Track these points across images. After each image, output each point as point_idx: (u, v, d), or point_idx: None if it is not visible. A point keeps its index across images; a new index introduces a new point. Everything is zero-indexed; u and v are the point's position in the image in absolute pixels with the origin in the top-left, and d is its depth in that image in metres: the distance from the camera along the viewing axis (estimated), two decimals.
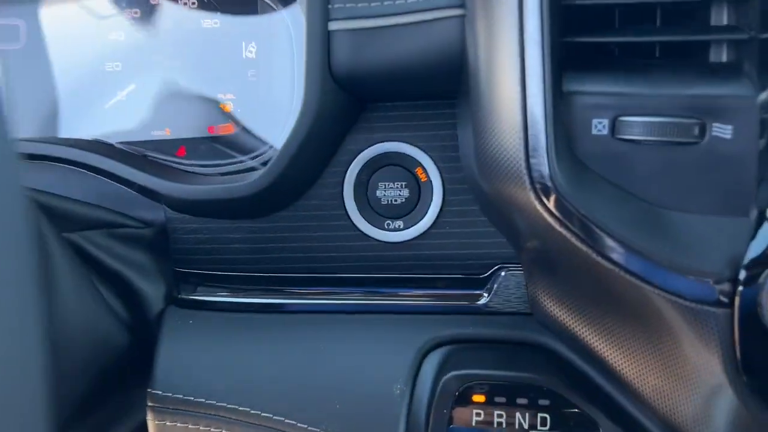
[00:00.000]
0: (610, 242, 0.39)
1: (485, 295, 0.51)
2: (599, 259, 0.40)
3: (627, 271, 0.39)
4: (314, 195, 0.52)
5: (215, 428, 0.50)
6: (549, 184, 0.40)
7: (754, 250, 0.37)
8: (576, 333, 0.47)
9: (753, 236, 0.37)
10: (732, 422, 0.39)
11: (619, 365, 0.45)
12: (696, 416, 0.42)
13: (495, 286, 0.51)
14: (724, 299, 0.37)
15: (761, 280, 0.36)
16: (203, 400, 0.50)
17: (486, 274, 0.51)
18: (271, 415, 0.49)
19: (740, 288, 0.37)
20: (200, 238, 0.54)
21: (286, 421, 0.48)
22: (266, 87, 0.53)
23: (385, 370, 0.49)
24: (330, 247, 0.53)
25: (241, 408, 0.49)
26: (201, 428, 0.50)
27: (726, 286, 0.37)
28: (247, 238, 0.53)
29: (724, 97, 0.38)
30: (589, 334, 0.46)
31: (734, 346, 0.38)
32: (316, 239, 0.53)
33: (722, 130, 0.38)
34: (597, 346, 0.46)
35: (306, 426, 0.48)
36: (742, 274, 0.36)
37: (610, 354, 0.45)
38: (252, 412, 0.49)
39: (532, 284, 0.49)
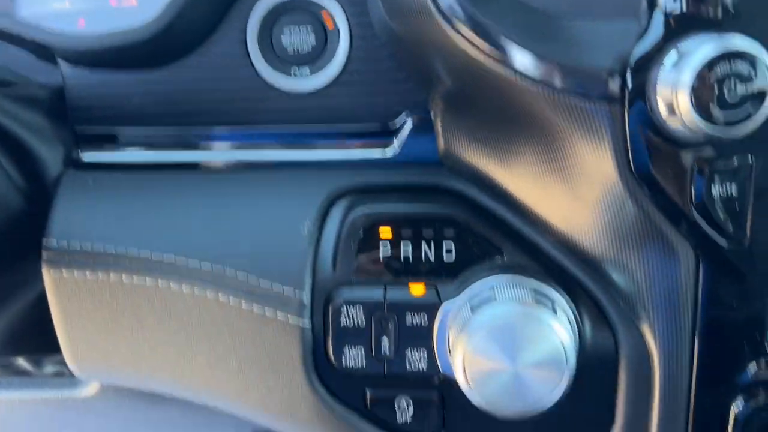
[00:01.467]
0: (514, 50, 0.40)
1: (394, 144, 0.51)
2: (504, 70, 0.41)
3: (528, 77, 0.40)
4: (215, 42, 0.50)
5: (115, 275, 0.47)
6: (455, 5, 0.41)
7: (642, 47, 0.38)
8: (484, 170, 0.47)
9: (641, 34, 0.39)
10: (622, 217, 0.41)
11: (524, 194, 0.46)
12: (595, 228, 0.44)
13: (404, 135, 0.51)
14: (615, 93, 0.38)
15: (649, 74, 0.38)
16: (102, 248, 0.48)
17: (395, 123, 0.52)
18: (172, 257, 0.47)
19: (629, 82, 0.39)
20: (99, 94, 0.52)
21: (189, 260, 0.47)
22: None
23: (293, 213, 0.48)
24: (234, 98, 0.51)
25: (141, 253, 0.47)
26: (100, 276, 0.48)
27: (616, 81, 0.38)
28: (147, 90, 0.51)
29: None
30: (497, 168, 0.47)
31: (626, 142, 0.40)
32: (219, 90, 0.51)
33: None
34: (504, 179, 0.47)
35: (210, 264, 0.47)
36: (630, 70, 0.38)
37: (517, 185, 0.46)
38: (153, 256, 0.47)
39: (442, 127, 0.49)
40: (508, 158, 0.46)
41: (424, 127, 0.51)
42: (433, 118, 0.50)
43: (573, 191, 0.44)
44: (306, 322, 0.46)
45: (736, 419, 0.43)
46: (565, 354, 0.40)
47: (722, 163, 0.39)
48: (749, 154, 0.39)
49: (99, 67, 0.51)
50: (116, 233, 0.48)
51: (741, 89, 0.36)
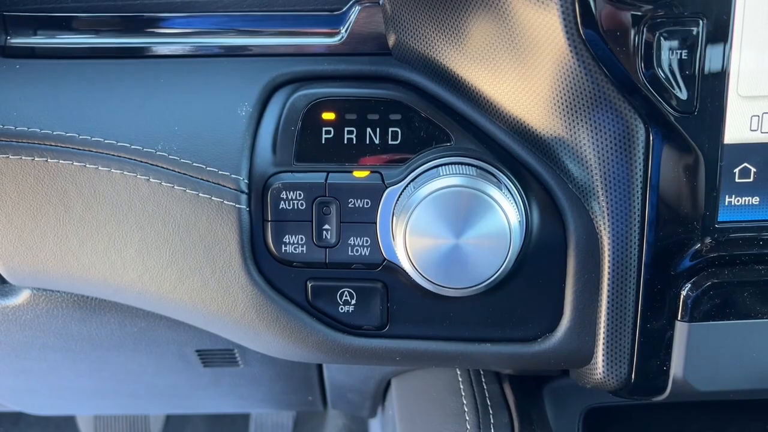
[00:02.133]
0: None
1: (342, 31, 0.49)
2: None
3: None
4: None
5: (39, 157, 0.44)
6: None
7: None
8: (435, 56, 0.45)
9: None
10: (572, 89, 0.39)
11: (475, 78, 0.44)
12: (545, 105, 0.42)
13: (351, 22, 0.49)
14: None
15: None
16: (26, 128, 0.45)
17: (342, 10, 0.49)
18: (101, 139, 0.44)
19: None
20: None
21: (118, 143, 0.44)
22: None
23: (232, 98, 0.45)
24: None
25: (68, 133, 0.44)
26: (24, 158, 0.44)
27: None
28: None
29: None
30: (448, 52, 0.44)
31: (574, 4, 0.37)
32: None
33: None
34: (455, 64, 0.44)
35: (141, 147, 0.44)
36: None
37: (468, 68, 0.44)
38: (81, 136, 0.44)
39: (392, 13, 0.46)
40: (460, 39, 0.44)
41: (373, 14, 0.49)
42: (381, 3, 0.48)
43: (524, 67, 0.42)
44: (243, 207, 0.43)
45: (684, 302, 0.42)
46: (509, 226, 0.39)
47: (672, 29, 0.38)
48: (699, 19, 0.38)
49: None
50: (42, 115, 0.45)
51: None
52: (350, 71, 0.48)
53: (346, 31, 0.49)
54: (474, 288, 0.40)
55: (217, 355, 0.64)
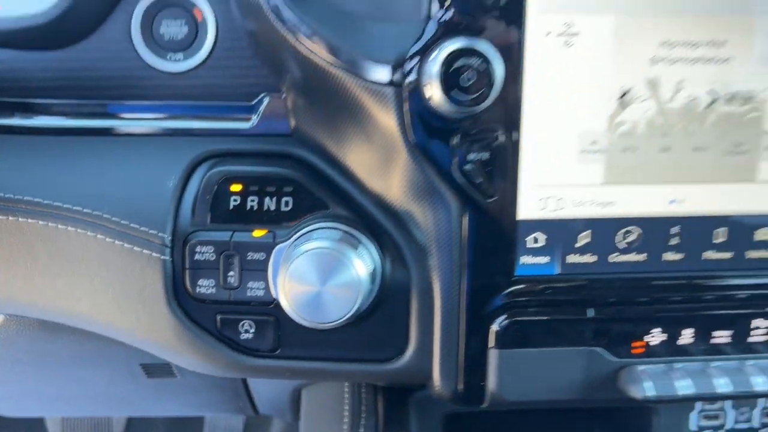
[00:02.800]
0: (330, 45, 0.51)
1: (253, 118, 0.62)
2: (319, 60, 0.52)
3: (338, 65, 0.52)
4: (105, 30, 0.61)
5: (12, 217, 0.57)
6: (281, 8, 0.52)
7: (416, 46, 0.50)
8: (321, 142, 0.59)
9: (419, 37, 0.51)
10: (413, 179, 0.53)
11: (349, 162, 0.58)
12: (397, 187, 0.55)
13: (263, 109, 0.62)
14: (397, 81, 0.50)
15: (421, 66, 0.50)
16: (2, 195, 0.57)
17: (254, 102, 0.62)
18: (60, 204, 0.57)
19: (406, 72, 0.50)
20: (10, 71, 0.61)
21: (73, 207, 0.57)
22: None
23: (163, 171, 0.59)
24: (121, 77, 0.61)
25: (34, 199, 0.57)
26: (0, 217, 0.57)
27: (398, 72, 0.50)
28: (47, 67, 0.61)
29: None
30: (330, 142, 0.58)
31: (404, 115, 0.51)
32: (109, 69, 0.61)
33: None
34: (335, 150, 0.58)
35: (91, 210, 0.57)
36: (408, 63, 0.50)
37: (344, 154, 0.58)
38: (44, 201, 0.57)
39: (291, 107, 0.60)
40: (338, 134, 0.58)
41: (278, 105, 0.62)
42: (284, 99, 0.61)
43: (382, 160, 0.56)
44: (167, 258, 0.57)
45: (494, 335, 0.56)
46: (359, 280, 0.52)
47: (477, 139, 0.52)
48: (496, 132, 0.52)
49: (5, 47, 0.61)
50: (14, 183, 0.58)
51: (476, 77, 0.48)
52: (258, 150, 0.62)
53: (257, 117, 0.63)
54: (334, 323, 0.53)
55: (158, 368, 0.77)
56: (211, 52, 0.61)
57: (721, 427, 0.72)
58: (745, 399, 0.66)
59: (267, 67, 0.61)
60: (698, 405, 0.71)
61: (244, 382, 0.81)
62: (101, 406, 0.88)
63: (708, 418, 0.72)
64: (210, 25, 0.61)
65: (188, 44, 0.62)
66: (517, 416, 0.71)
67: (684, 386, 0.55)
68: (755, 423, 0.72)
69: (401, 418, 0.67)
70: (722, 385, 0.55)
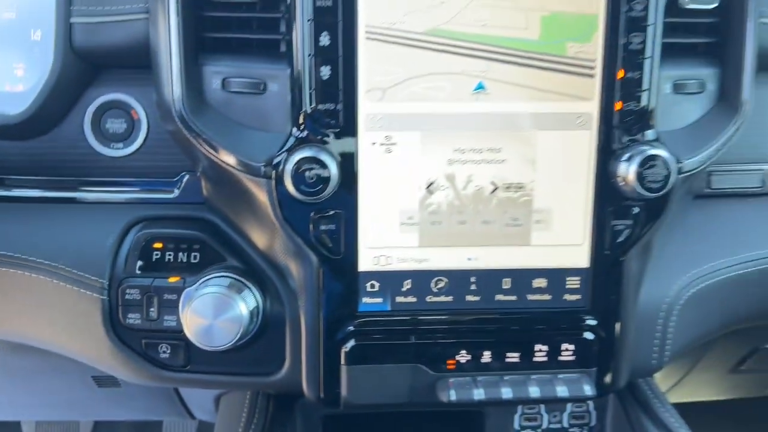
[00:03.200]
0: (218, 150, 0.71)
1: (175, 191, 0.82)
2: (219, 161, 0.72)
3: (229, 164, 0.71)
4: (65, 126, 0.81)
5: None
6: (185, 117, 0.71)
7: (280, 153, 0.70)
8: (225, 211, 0.79)
9: (283, 144, 0.71)
10: (284, 242, 0.73)
11: (245, 227, 0.78)
12: (276, 248, 0.75)
13: (183, 184, 0.82)
14: (268, 174, 0.70)
15: (283, 166, 0.70)
16: None
17: (176, 179, 0.82)
18: (26, 257, 0.76)
19: (273, 169, 0.70)
20: None
21: (37, 259, 0.77)
22: (41, 56, 0.81)
23: (103, 231, 0.79)
24: (74, 161, 0.81)
25: (7, 252, 0.77)
26: None
27: (269, 168, 0.70)
28: (22, 153, 0.81)
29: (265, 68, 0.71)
30: (231, 212, 0.79)
31: (276, 198, 0.71)
32: (67, 154, 0.81)
33: (272, 87, 0.72)
34: (235, 218, 0.78)
35: (49, 262, 0.76)
36: (275, 163, 0.70)
37: (241, 222, 0.78)
38: (14, 254, 0.77)
39: (203, 184, 0.80)
40: (235, 207, 0.78)
41: (194, 181, 0.82)
42: (199, 176, 0.81)
43: (264, 227, 0.76)
44: (105, 298, 0.76)
45: (345, 354, 0.76)
46: (242, 316, 0.72)
47: (325, 213, 0.72)
48: (339, 210, 0.72)
49: None
50: None
51: (316, 178, 0.68)
52: (178, 215, 0.82)
53: (178, 190, 0.83)
54: (222, 347, 0.73)
55: (105, 379, 0.96)
56: (143, 143, 0.82)
57: (539, 426, 0.92)
58: (527, 403, 0.87)
59: (185, 154, 0.81)
60: (520, 408, 0.91)
61: (176, 391, 1.00)
62: (64, 411, 1.07)
63: (528, 419, 0.93)
64: (143, 123, 0.81)
65: (127, 136, 0.82)
66: (380, 417, 0.91)
67: (478, 393, 0.75)
68: (565, 424, 0.93)
69: (288, 418, 0.87)
70: (506, 392, 0.75)
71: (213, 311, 0.73)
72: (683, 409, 0.89)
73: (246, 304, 0.74)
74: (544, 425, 0.93)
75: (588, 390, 0.77)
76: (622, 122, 0.73)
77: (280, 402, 0.88)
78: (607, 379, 0.79)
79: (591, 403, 0.92)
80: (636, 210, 0.74)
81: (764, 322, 0.90)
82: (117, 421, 1.43)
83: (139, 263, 0.78)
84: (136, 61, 0.78)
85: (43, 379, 0.95)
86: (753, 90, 0.79)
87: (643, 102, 0.72)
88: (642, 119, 0.73)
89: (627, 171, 0.72)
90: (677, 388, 1.12)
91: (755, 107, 0.83)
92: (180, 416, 1.10)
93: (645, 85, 0.72)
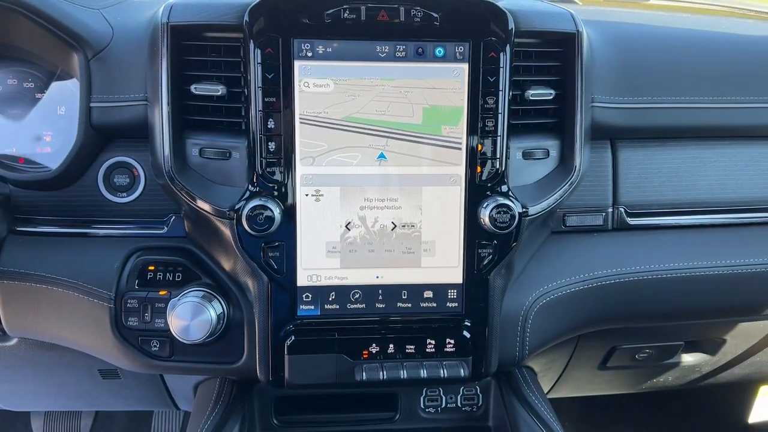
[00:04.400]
0: (198, 199, 0.99)
1: (165, 228, 1.10)
2: (196, 207, 1.00)
3: (203, 209, 0.99)
4: (84, 179, 1.09)
5: (30, 284, 1.03)
6: (172, 175, 0.99)
7: (239, 201, 0.98)
8: (200, 243, 1.07)
9: (243, 194, 0.99)
10: (242, 264, 1.00)
11: (217, 256, 1.05)
12: (237, 269, 1.03)
13: (170, 223, 1.09)
14: (232, 216, 0.98)
15: (241, 210, 0.98)
16: (26, 270, 1.04)
17: (165, 218, 1.10)
18: (53, 276, 1.03)
19: (235, 212, 0.98)
20: (29, 200, 1.08)
21: (60, 277, 1.04)
22: (66, 127, 1.09)
23: (111, 258, 1.06)
24: (90, 206, 1.09)
25: (37, 272, 1.03)
26: (24, 283, 1.03)
27: (232, 212, 0.98)
28: (52, 200, 1.08)
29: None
30: (203, 243, 1.07)
31: (236, 233, 0.99)
32: (86, 201, 1.09)
33: (235, 155, 1.00)
34: (207, 247, 1.07)
35: (70, 279, 1.03)
36: (236, 207, 0.98)
37: (213, 251, 1.05)
38: (42, 274, 1.03)
39: (185, 223, 1.08)
40: (209, 240, 1.07)
41: (179, 220, 1.10)
42: (183, 216, 1.09)
43: (229, 255, 1.03)
44: (112, 306, 1.03)
45: (287, 346, 1.03)
46: (211, 319, 0.99)
47: (272, 243, 1.00)
48: (283, 239, 1.00)
49: (29, 189, 1.08)
50: (28, 263, 1.04)
51: (264, 218, 0.96)
52: (167, 245, 1.10)
53: (167, 227, 1.11)
54: (197, 341, 1.00)
55: (109, 372, 1.22)
56: (142, 192, 1.10)
57: (439, 406, 1.20)
58: (418, 384, 1.15)
59: (172, 201, 1.09)
60: (424, 391, 1.19)
61: (164, 384, 1.26)
62: (70, 401, 1.32)
63: (431, 400, 1.20)
64: (141, 178, 1.10)
65: (129, 188, 1.10)
66: (320, 400, 1.18)
67: (382, 374, 1.03)
68: (459, 404, 1.21)
69: (247, 400, 1.14)
70: (403, 373, 1.03)
71: (190, 315, 1.01)
72: (563, 402, 1.17)
73: (215, 310, 1.02)
74: (443, 404, 1.20)
75: (463, 372, 1.05)
76: (481, 180, 1.03)
77: (242, 387, 1.15)
78: (480, 365, 1.07)
79: (478, 388, 1.20)
80: (495, 242, 1.04)
81: (606, 326, 1.19)
82: (114, 412, 1.68)
83: (137, 281, 1.06)
84: (137, 134, 1.07)
85: (58, 373, 1.21)
86: (588, 154, 1.09)
87: (496, 166, 1.02)
88: (496, 178, 1.03)
89: (485, 214, 1.02)
90: (559, 384, 1.40)
91: (596, 165, 1.14)
92: (167, 407, 1.35)
93: (497, 155, 1.02)
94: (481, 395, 1.22)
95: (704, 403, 1.80)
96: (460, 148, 1.03)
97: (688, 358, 1.42)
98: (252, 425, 1.16)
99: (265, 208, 0.99)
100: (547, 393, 1.37)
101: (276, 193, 1.00)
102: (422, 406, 1.22)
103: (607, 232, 1.18)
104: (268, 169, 1.00)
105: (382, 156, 1.02)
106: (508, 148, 1.04)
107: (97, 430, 1.71)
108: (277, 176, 1.00)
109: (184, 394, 1.29)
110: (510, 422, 1.12)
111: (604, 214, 1.18)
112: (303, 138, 1.00)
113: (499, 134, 1.02)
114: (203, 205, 1.00)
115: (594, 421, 1.69)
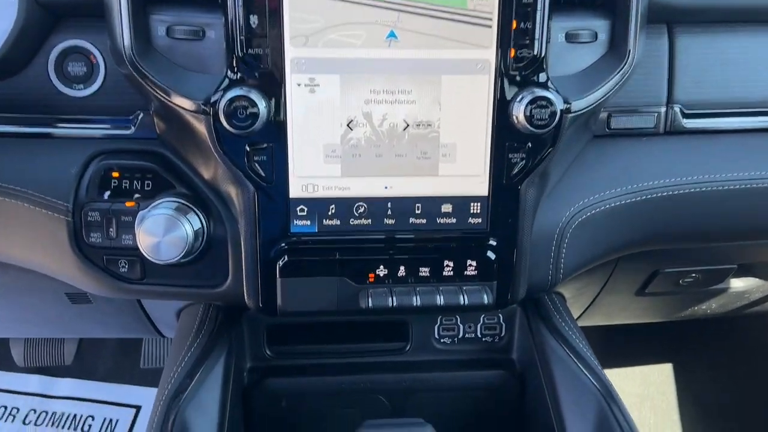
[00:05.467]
0: (166, 90, 0.81)
1: (132, 128, 0.92)
2: (165, 100, 0.82)
3: (172, 102, 0.82)
4: (31, 69, 0.90)
5: None
6: (134, 60, 0.81)
7: (216, 92, 0.80)
8: (174, 144, 0.89)
9: (219, 84, 0.81)
10: (225, 172, 0.84)
11: (190, 159, 0.89)
12: (219, 177, 0.86)
13: (138, 121, 0.92)
14: (207, 111, 0.81)
15: (218, 104, 0.80)
16: None
17: (132, 116, 0.92)
18: (6, 185, 0.87)
19: (211, 105, 0.80)
20: None
21: (15, 187, 0.87)
22: (6, 7, 0.90)
23: (69, 162, 0.89)
24: (41, 101, 0.91)
25: None
26: None
27: (207, 106, 0.81)
28: None
29: None
30: (179, 145, 0.89)
31: (214, 132, 0.82)
32: (33, 95, 0.91)
33: (210, 34, 0.81)
34: (182, 151, 0.90)
35: (25, 189, 0.87)
36: (212, 99, 0.80)
37: (187, 154, 0.88)
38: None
39: (155, 121, 0.90)
40: (183, 141, 0.89)
41: (148, 119, 0.92)
42: (152, 114, 0.91)
43: (208, 159, 0.86)
44: (70, 219, 0.87)
45: (279, 268, 0.88)
46: (187, 235, 0.84)
47: (258, 145, 0.82)
48: (271, 141, 0.83)
49: None
50: None
51: (245, 113, 0.79)
52: (134, 149, 0.92)
53: (134, 127, 0.93)
54: (171, 261, 0.84)
55: (78, 296, 1.08)
56: (102, 84, 0.91)
57: (456, 336, 1.06)
58: (434, 312, 1.00)
59: (139, 95, 0.91)
60: (439, 320, 1.04)
61: (143, 310, 1.13)
62: (42, 328, 1.19)
63: (446, 329, 1.06)
64: (101, 67, 0.91)
65: (87, 78, 0.91)
66: (318, 330, 1.04)
67: (392, 300, 0.88)
68: (478, 334, 1.06)
69: (234, 327, 1.00)
70: (416, 300, 0.88)
71: (162, 230, 0.85)
72: (596, 331, 1.02)
73: (191, 224, 0.86)
74: (460, 334, 1.06)
75: (486, 299, 0.89)
76: (515, 67, 0.83)
77: (229, 314, 1.00)
78: (506, 291, 0.92)
79: (501, 316, 1.05)
80: (528, 145, 0.86)
81: (652, 246, 1.03)
82: (101, 339, 1.57)
83: (99, 190, 0.89)
84: (92, 10, 0.87)
85: (19, 296, 1.07)
86: (644, 40, 0.89)
87: (535, 50, 0.83)
88: (534, 65, 0.83)
89: (519, 110, 0.83)
90: (588, 312, 1.26)
91: (649, 55, 0.94)
92: (150, 335, 1.22)
93: (536, 35, 0.82)
94: (504, 324, 1.08)
95: (744, 332, 1.67)
96: (489, 26, 0.82)
97: (737, 284, 1.26)
98: (241, 356, 1.03)
99: (248, 100, 0.80)
100: None
101: (260, 82, 0.82)
102: (436, 335, 1.08)
103: (658, 136, 0.99)
104: (250, 51, 0.81)
105: (392, 35, 0.82)
106: (549, 27, 0.84)
107: (82, 357, 1.61)
108: (262, 60, 0.81)
109: (167, 321, 1.16)
110: (538, 354, 0.98)
111: (656, 114, 0.99)
112: (294, 11, 0.80)
113: (539, 8, 0.83)
114: (172, 98, 0.82)
115: (612, 350, 1.57)
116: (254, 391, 1.03)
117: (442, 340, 1.09)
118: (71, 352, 1.63)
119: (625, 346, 1.59)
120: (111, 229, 0.89)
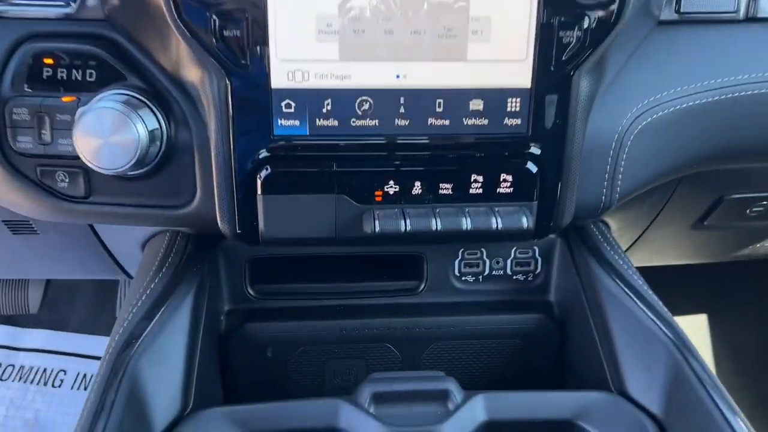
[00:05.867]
0: None
1: (72, 5, 0.71)
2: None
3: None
4: None
5: None
6: None
7: None
8: (126, 28, 0.70)
9: None
10: (185, 59, 0.64)
11: (145, 44, 0.69)
12: (181, 62, 0.67)
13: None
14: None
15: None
16: None
17: None
18: None
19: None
20: None
21: None
22: None
23: None
24: None
25: None
26: None
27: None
28: None
29: None
30: (131, 27, 0.69)
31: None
32: None
33: None
34: (136, 35, 0.69)
35: None
36: None
37: (140, 35, 0.69)
38: None
39: None
40: (139, 23, 0.68)
41: None
42: None
43: (169, 43, 0.67)
44: None
45: (260, 181, 0.69)
46: (138, 136, 0.65)
47: (229, 15, 0.63)
48: (245, 8, 0.63)
49: None
50: None
51: None
52: (74, 31, 0.72)
53: (76, 5, 0.73)
54: (121, 169, 0.65)
55: (18, 225, 0.90)
56: None
57: (481, 273, 0.88)
58: (458, 239, 0.81)
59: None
60: (461, 253, 0.86)
61: (100, 240, 0.95)
62: None
63: (469, 265, 0.87)
64: None
65: None
66: (312, 264, 0.86)
67: (405, 224, 0.69)
68: (508, 271, 0.88)
69: (207, 258, 0.82)
70: (436, 224, 0.69)
71: (107, 129, 0.65)
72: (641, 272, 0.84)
73: (144, 123, 0.66)
74: (486, 272, 0.88)
75: (525, 223, 0.70)
76: None
77: (200, 244, 0.82)
78: (548, 215, 0.73)
79: (537, 249, 0.87)
80: (586, 20, 0.66)
81: (727, 163, 0.84)
82: (72, 282, 1.39)
83: (28, 81, 0.69)
84: None
85: None
86: None
87: None
88: None
89: None
90: (634, 249, 1.08)
91: None
92: (115, 275, 1.04)
93: None
94: (539, 259, 0.89)
95: None
96: None
97: None
98: (217, 296, 0.85)
99: None
100: None
101: None
102: (457, 272, 0.89)
103: (738, 23, 0.79)
104: None
105: None
106: None
107: (52, 305, 1.43)
108: None
109: (133, 257, 0.97)
110: (586, 293, 0.80)
111: None
112: None
113: None
114: None
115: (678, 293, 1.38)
116: (233, 339, 0.85)
117: (463, 278, 0.90)
118: (36, 299, 1.44)
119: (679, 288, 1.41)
120: (44, 131, 0.70)
